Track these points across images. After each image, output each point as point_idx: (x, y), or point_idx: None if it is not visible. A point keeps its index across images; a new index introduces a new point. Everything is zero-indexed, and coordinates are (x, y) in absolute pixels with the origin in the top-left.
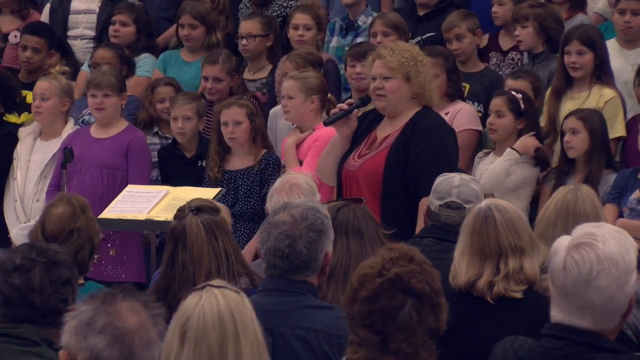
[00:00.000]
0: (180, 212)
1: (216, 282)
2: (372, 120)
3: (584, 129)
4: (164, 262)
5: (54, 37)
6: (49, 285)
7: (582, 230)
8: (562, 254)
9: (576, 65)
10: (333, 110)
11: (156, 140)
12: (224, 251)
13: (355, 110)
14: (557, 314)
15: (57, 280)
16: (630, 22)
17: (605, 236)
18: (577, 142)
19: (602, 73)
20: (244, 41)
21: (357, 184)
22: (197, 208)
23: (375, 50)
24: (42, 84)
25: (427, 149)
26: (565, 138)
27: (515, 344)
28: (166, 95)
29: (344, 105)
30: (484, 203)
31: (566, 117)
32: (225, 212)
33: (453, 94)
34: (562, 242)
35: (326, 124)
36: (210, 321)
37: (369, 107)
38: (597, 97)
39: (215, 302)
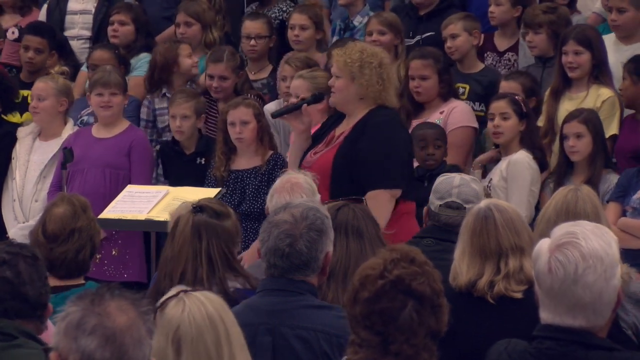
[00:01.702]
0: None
1: (185, 288)
2: (335, 119)
3: (587, 133)
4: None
5: (56, 37)
6: (37, 279)
7: (561, 230)
8: (545, 257)
9: (573, 65)
10: (285, 104)
11: (164, 104)
12: (206, 254)
13: (305, 105)
14: (547, 316)
15: (42, 274)
16: (616, 20)
17: (586, 233)
18: (582, 146)
19: (599, 73)
20: (253, 42)
21: None
22: (200, 207)
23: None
24: (39, 85)
25: (374, 144)
26: (570, 143)
27: (509, 347)
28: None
29: (294, 100)
30: (483, 203)
31: (566, 121)
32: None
33: (446, 94)
34: (543, 245)
35: (273, 116)
36: (202, 325)
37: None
38: (595, 97)
39: (201, 305)
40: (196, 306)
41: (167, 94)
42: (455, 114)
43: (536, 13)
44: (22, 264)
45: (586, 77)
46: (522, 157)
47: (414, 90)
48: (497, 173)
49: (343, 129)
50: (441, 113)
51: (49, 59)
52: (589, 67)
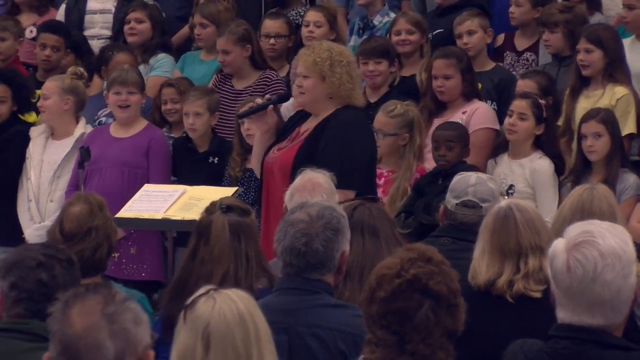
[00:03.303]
0: (211, 207)
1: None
2: (300, 117)
3: (606, 132)
4: (186, 255)
5: (71, 35)
6: (71, 284)
7: (576, 229)
8: (562, 256)
9: (584, 62)
10: (249, 104)
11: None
12: (244, 254)
13: (271, 105)
14: (564, 315)
15: (76, 279)
16: (626, 17)
17: (602, 232)
18: (600, 146)
19: (614, 71)
20: (272, 40)
21: (272, 176)
22: (228, 207)
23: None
24: (45, 84)
25: (333, 144)
26: (588, 142)
27: (525, 347)
28: (168, 97)
29: (259, 100)
30: (504, 203)
31: (584, 120)
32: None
33: (469, 93)
34: (559, 245)
35: (239, 116)
36: (233, 323)
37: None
38: (610, 95)
39: (232, 303)
40: (227, 303)
41: (171, 134)
42: (478, 115)
43: (552, 12)
44: (57, 268)
45: (601, 75)
46: (547, 164)
47: (437, 90)
48: (520, 180)
49: (308, 126)
50: (463, 113)
51: (64, 57)
52: (602, 65)
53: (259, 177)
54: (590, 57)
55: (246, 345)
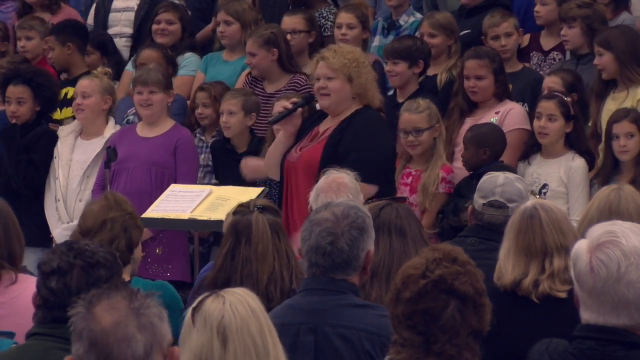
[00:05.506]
0: (243, 209)
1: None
2: (317, 118)
3: (637, 132)
4: (221, 255)
5: (68, 32)
6: (87, 288)
7: (599, 230)
8: (585, 257)
9: (599, 66)
10: (277, 110)
11: (201, 143)
12: (285, 252)
13: (300, 109)
14: (589, 316)
15: (96, 282)
16: None
17: (625, 231)
18: (632, 145)
19: (629, 72)
20: (289, 36)
21: (296, 174)
22: (263, 207)
23: (320, 52)
24: (83, 82)
25: (359, 137)
26: (621, 142)
27: (550, 347)
28: (200, 101)
29: (288, 105)
30: (529, 203)
31: (616, 120)
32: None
33: (501, 94)
34: (582, 246)
35: (271, 122)
36: (246, 315)
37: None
38: (632, 96)
39: (242, 299)
40: (236, 299)
41: (199, 136)
42: (512, 116)
43: (571, 7)
44: (73, 273)
45: (621, 77)
46: (583, 164)
47: (469, 90)
48: (554, 179)
49: (328, 125)
50: (496, 113)
51: (70, 51)
52: (615, 68)
53: (278, 178)
54: (601, 60)
55: (262, 337)
